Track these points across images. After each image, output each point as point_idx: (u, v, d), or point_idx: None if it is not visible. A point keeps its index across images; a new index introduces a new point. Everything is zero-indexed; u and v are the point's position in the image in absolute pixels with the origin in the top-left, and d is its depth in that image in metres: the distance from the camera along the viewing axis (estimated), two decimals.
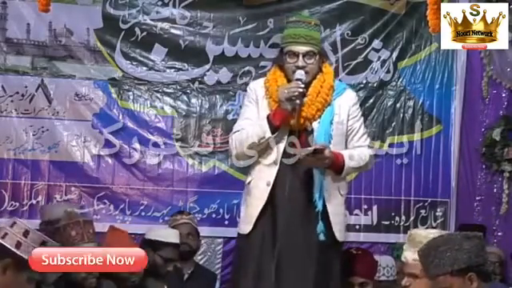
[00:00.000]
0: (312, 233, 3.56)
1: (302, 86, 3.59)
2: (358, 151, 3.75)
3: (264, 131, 3.61)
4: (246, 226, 3.69)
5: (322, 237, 3.57)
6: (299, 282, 3.56)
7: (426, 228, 5.36)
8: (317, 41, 3.73)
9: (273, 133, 3.61)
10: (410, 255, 3.22)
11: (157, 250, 4.31)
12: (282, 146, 3.64)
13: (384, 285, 4.51)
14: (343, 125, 3.73)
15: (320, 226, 3.57)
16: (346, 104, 3.77)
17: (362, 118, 3.88)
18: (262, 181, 3.65)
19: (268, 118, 3.64)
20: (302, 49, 3.67)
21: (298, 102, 3.56)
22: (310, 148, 3.53)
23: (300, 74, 3.63)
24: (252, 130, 3.65)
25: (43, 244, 2.93)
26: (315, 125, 3.67)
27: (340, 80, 4.38)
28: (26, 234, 2.93)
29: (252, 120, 3.71)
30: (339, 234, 3.68)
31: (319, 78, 3.73)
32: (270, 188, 3.61)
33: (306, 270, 3.57)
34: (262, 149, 3.67)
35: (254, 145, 3.64)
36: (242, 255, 3.73)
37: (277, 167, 3.62)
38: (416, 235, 3.23)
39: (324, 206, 3.60)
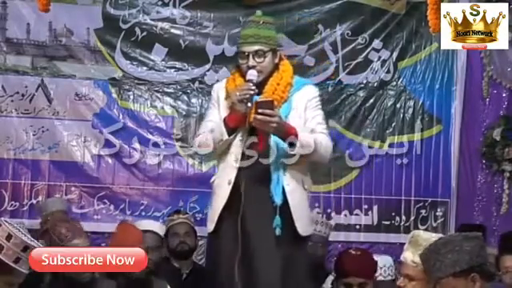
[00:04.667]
0: (271, 228, 3.56)
1: (253, 87, 3.57)
2: (318, 135, 3.65)
3: (221, 133, 3.62)
4: (209, 224, 3.69)
5: (278, 231, 3.54)
6: (265, 277, 3.55)
7: (427, 228, 5.37)
8: (267, 39, 3.67)
9: (229, 134, 3.61)
10: (409, 256, 3.21)
11: None
12: (242, 144, 3.63)
13: (383, 285, 4.51)
14: (301, 118, 3.68)
15: (276, 220, 3.54)
16: (304, 98, 3.72)
17: (322, 113, 3.77)
18: (224, 180, 3.66)
19: (224, 120, 3.65)
20: (251, 48, 3.65)
21: (249, 104, 3.54)
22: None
23: (251, 74, 3.61)
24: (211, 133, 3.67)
25: (25, 249, 2.89)
26: None
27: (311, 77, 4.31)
28: (8, 237, 2.88)
29: (214, 122, 3.72)
30: (302, 228, 3.62)
31: (276, 75, 3.70)
32: (231, 186, 3.61)
33: (270, 265, 3.56)
34: (225, 148, 3.67)
35: (217, 145, 3.65)
36: (209, 253, 3.73)
37: (237, 165, 3.62)
38: (418, 237, 3.18)
39: (286, 200, 3.59)
